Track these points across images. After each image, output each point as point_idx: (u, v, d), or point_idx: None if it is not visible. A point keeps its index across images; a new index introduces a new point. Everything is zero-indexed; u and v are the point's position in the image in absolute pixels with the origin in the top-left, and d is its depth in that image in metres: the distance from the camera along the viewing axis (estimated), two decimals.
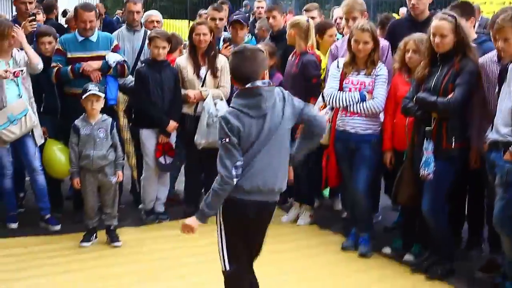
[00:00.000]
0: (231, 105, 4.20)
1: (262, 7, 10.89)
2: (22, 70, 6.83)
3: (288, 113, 4.22)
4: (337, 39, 7.72)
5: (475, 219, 6.30)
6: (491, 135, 5.32)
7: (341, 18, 7.77)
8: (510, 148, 5.05)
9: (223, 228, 4.32)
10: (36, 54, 7.00)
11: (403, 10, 17.70)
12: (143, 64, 7.34)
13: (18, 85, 6.86)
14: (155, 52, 7.15)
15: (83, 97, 6.49)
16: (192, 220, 4.34)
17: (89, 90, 6.48)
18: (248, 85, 4.16)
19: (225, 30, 8.68)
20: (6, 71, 6.69)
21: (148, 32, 7.81)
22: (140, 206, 7.52)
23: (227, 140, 4.08)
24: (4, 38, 6.78)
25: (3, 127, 6.77)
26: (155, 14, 8.68)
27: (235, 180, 4.10)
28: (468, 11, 6.33)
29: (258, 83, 4.17)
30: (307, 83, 6.89)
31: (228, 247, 4.35)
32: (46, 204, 7.12)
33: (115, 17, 23.89)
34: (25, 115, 6.81)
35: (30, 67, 6.92)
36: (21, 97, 6.87)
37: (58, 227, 7.06)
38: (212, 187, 4.18)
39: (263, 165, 4.16)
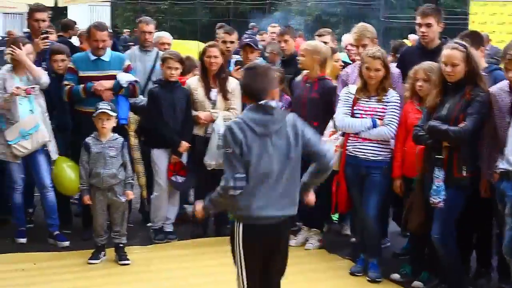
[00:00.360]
0: (239, 116, 4.26)
1: (275, 32, 10.92)
2: (33, 87, 6.90)
3: (295, 141, 4.24)
4: (344, 63, 7.77)
5: (484, 247, 6.31)
6: (502, 165, 5.36)
7: (351, 45, 7.84)
8: None
9: (243, 255, 4.28)
10: (38, 68, 7.06)
11: (413, 37, 17.81)
12: (156, 85, 7.40)
13: (30, 101, 6.93)
14: (168, 72, 7.21)
15: (95, 115, 6.54)
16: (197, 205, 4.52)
17: (100, 109, 6.54)
18: (261, 102, 4.20)
19: (236, 53, 8.74)
20: (18, 88, 6.76)
21: (160, 52, 7.89)
22: (149, 224, 7.54)
23: (229, 150, 4.15)
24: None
25: (15, 141, 6.84)
26: (166, 36, 8.74)
27: (235, 191, 4.15)
28: (478, 40, 6.35)
29: (273, 103, 4.21)
30: (329, 108, 6.88)
31: (248, 274, 4.31)
32: (55, 221, 7.16)
33: (122, 36, 24.06)
34: (37, 130, 6.87)
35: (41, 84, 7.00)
36: (33, 112, 6.93)
37: (66, 244, 7.09)
38: (216, 189, 4.29)
39: (268, 190, 4.19)
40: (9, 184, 7.10)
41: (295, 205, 4.35)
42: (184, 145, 7.22)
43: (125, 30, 26.47)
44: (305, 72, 7.26)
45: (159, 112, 7.17)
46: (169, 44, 8.57)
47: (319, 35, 8.56)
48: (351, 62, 7.82)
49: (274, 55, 8.68)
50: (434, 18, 6.72)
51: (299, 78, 7.33)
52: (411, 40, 16.90)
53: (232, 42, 8.17)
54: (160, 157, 7.28)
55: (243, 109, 7.27)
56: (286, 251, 4.49)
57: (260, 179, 4.16)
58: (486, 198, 5.77)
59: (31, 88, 6.88)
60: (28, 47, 7.04)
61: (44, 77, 7.03)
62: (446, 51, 5.64)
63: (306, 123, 6.66)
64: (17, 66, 6.95)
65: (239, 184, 4.14)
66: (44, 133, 6.93)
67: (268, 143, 4.15)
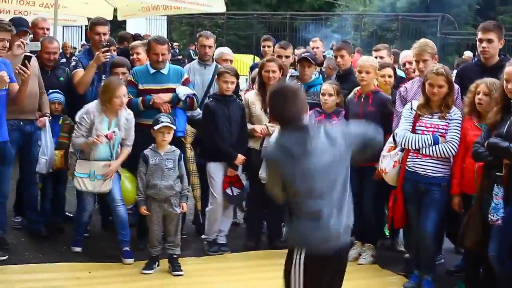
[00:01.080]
0: (273, 142, 4.15)
1: (317, 47, 10.94)
2: (114, 132, 6.87)
3: (339, 148, 4.09)
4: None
5: None
6: None
7: (409, 63, 7.80)
8: None
9: (305, 279, 4.10)
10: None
11: (468, 54, 17.68)
12: (211, 99, 7.46)
13: (112, 148, 6.94)
14: (224, 86, 7.26)
15: (156, 128, 6.61)
16: None
17: (162, 122, 6.61)
18: (293, 123, 4.09)
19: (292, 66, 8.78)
20: (98, 136, 6.74)
21: (218, 66, 7.95)
22: (203, 236, 7.58)
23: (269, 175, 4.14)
24: (113, 97, 6.82)
25: (81, 175, 6.91)
26: (227, 52, 8.79)
27: None
28: None
29: (305, 121, 4.13)
30: (385, 121, 6.82)
31: None
32: (126, 237, 7.05)
33: (187, 51, 24.30)
34: (106, 180, 6.91)
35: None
36: (111, 159, 6.93)
37: (131, 261, 6.95)
38: None
39: (321, 208, 4.04)
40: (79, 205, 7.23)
41: (352, 222, 4.23)
42: (240, 157, 7.26)
43: (174, 44, 26.71)
44: (357, 88, 7.26)
45: (215, 125, 7.23)
46: (231, 60, 8.63)
47: (376, 50, 8.56)
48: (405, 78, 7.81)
49: (330, 70, 8.69)
50: (495, 34, 6.67)
51: (351, 95, 7.33)
52: (467, 57, 16.80)
53: (287, 56, 8.20)
54: (216, 170, 7.32)
55: None
56: (344, 273, 4.37)
57: (306, 200, 4.04)
58: None
59: (112, 132, 6.87)
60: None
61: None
62: (509, 69, 5.59)
63: None
64: (109, 103, 6.86)
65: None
66: (110, 185, 6.93)
67: (313, 160, 4.01)
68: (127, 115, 6.99)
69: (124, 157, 7.02)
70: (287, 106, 4.07)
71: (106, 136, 6.80)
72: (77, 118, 6.95)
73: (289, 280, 4.14)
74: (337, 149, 4.09)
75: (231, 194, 7.32)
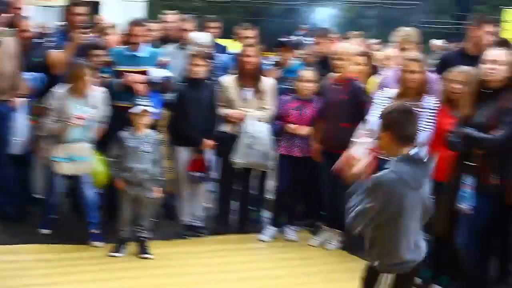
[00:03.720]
0: (393, 169, 3.98)
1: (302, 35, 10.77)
2: (85, 112, 6.79)
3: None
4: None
5: (503, 253, 6.29)
6: None
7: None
8: None
9: None
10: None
11: (435, 42, 17.77)
12: (182, 83, 7.40)
13: (84, 129, 6.87)
14: (193, 70, 7.20)
15: (134, 111, 6.58)
16: None
17: (140, 105, 6.60)
18: (411, 153, 4.00)
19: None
20: (70, 118, 6.68)
21: None
22: (180, 220, 7.55)
23: (372, 204, 3.97)
24: (78, 78, 6.79)
25: (59, 159, 6.84)
26: (204, 37, 8.40)
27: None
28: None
29: (422, 154, 4.13)
30: (357, 109, 6.87)
31: None
32: (95, 219, 7.03)
33: None
34: (85, 161, 6.86)
35: None
36: (85, 141, 6.90)
37: (99, 244, 6.92)
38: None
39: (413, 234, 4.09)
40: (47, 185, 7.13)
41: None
42: (207, 142, 7.22)
43: None
44: (333, 75, 7.24)
45: (183, 110, 7.18)
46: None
47: (352, 38, 8.54)
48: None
49: (310, 57, 8.62)
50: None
51: (327, 82, 7.32)
52: (432, 45, 16.89)
53: (253, 38, 8.13)
54: (183, 155, 7.29)
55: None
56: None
57: (408, 228, 4.03)
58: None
59: (83, 113, 6.79)
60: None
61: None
62: (490, 51, 5.63)
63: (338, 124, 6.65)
64: (75, 86, 6.83)
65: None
66: (91, 165, 6.91)
67: (421, 192, 4.02)
68: (96, 94, 6.94)
69: (100, 133, 6.99)
70: (410, 126, 4.07)
71: (77, 117, 6.73)
72: (47, 103, 6.89)
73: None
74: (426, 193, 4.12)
75: (195, 176, 7.27)
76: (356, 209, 4.05)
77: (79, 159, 6.84)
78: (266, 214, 7.94)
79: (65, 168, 6.85)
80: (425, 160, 4.13)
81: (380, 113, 4.23)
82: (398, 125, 4.03)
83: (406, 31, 7.02)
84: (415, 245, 4.09)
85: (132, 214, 6.73)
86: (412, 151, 4.00)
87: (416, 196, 3.97)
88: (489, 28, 6.80)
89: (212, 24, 8.86)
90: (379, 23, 25.73)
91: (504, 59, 5.54)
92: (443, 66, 6.90)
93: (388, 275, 4.07)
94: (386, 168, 3.95)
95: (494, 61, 5.53)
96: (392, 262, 4.06)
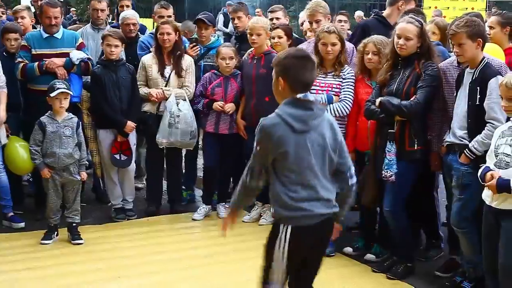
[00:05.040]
0: (276, 111, 3.96)
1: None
2: None
3: (331, 142, 4.00)
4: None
5: (430, 219, 6.41)
6: (448, 138, 5.46)
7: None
8: (465, 150, 5.20)
9: (286, 257, 3.98)
10: None
11: (358, 13, 18.01)
12: (98, 65, 7.30)
13: None
14: (108, 50, 7.12)
15: (52, 95, 6.45)
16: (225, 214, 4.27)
17: (58, 88, 6.46)
18: (300, 96, 3.94)
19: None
20: None
21: None
22: (109, 204, 7.53)
23: (257, 148, 3.93)
24: None
25: None
26: (130, 15, 8.24)
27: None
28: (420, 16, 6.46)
29: (311, 97, 4.00)
30: None
31: (288, 270, 4.06)
32: (9, 202, 7.06)
33: (69, 15, 23.74)
34: None
35: None
36: None
37: (22, 225, 7.00)
38: (236, 188, 4.14)
39: (311, 185, 3.94)
40: None
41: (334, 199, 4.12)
42: (129, 125, 7.17)
43: (72, 10, 26.08)
44: (250, 50, 7.29)
45: (102, 93, 7.11)
46: (134, 24, 8.11)
47: (272, 11, 8.55)
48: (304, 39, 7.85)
49: (186, 34, 8.45)
50: None
51: (245, 56, 7.36)
52: (356, 16, 17.12)
53: (169, 16, 8.10)
54: (105, 138, 7.25)
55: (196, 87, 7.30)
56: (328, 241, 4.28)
57: (300, 173, 3.92)
58: (426, 171, 5.87)
59: None
60: None
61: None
62: (401, 25, 5.70)
63: (258, 99, 6.69)
64: None
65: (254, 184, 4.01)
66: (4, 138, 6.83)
67: (306, 139, 3.91)
68: None
69: (4, 100, 6.90)
70: (307, 73, 3.98)
71: None
72: None
73: (272, 252, 4.03)
74: (330, 140, 4.00)
75: (119, 159, 7.23)
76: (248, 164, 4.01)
77: None
78: (198, 193, 7.96)
79: None
80: (315, 102, 4.01)
81: (274, 59, 4.20)
82: (294, 71, 3.96)
83: (314, 3, 7.06)
84: (318, 196, 3.96)
85: (60, 200, 6.65)
86: (300, 94, 3.94)
87: (302, 139, 3.89)
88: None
89: (126, 2, 8.80)
90: None
91: (413, 33, 5.59)
92: (364, 32, 6.93)
93: (286, 226, 3.94)
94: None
95: (404, 37, 5.60)
96: (286, 211, 3.94)
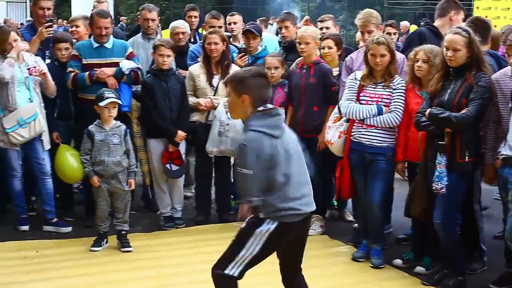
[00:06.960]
0: (251, 129, 4.19)
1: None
2: (35, 67, 6.95)
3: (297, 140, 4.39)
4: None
5: (472, 232, 6.27)
6: (504, 151, 5.35)
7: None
8: None
9: (265, 245, 4.31)
10: (53, 84, 7.09)
11: (404, 24, 17.90)
12: (149, 75, 7.36)
13: (29, 89, 6.94)
14: (160, 60, 7.16)
15: (101, 104, 6.51)
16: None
17: (107, 98, 6.52)
18: (261, 108, 4.25)
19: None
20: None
21: None
22: (158, 212, 7.56)
23: (249, 172, 4.12)
24: (5, 44, 6.86)
25: (12, 129, 6.85)
26: (180, 25, 8.32)
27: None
28: (481, 27, 6.35)
29: (269, 105, 4.32)
30: (327, 92, 6.98)
31: (254, 260, 4.40)
32: (52, 208, 7.15)
33: (119, 24, 24.04)
34: (35, 119, 6.87)
35: (45, 92, 7.12)
36: (31, 101, 6.93)
37: (69, 229, 7.10)
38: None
39: (299, 178, 4.28)
40: (8, 172, 7.09)
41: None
42: (180, 134, 7.20)
43: (122, 18, 26.43)
44: (299, 59, 7.28)
45: (153, 102, 7.15)
46: (183, 33, 8.18)
47: (321, 21, 8.53)
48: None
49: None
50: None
51: (294, 66, 7.35)
52: (402, 26, 17.01)
53: (220, 26, 8.13)
54: (156, 147, 7.29)
55: None
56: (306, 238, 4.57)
57: (290, 174, 4.21)
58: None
59: (33, 67, 6.94)
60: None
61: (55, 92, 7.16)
62: (448, 36, 5.62)
63: (306, 108, 6.71)
64: (4, 54, 6.88)
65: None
66: (41, 122, 6.94)
67: (283, 141, 4.22)
68: (34, 58, 7.08)
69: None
70: (266, 90, 4.35)
71: (29, 69, 6.92)
72: None
73: (246, 241, 4.31)
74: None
75: (170, 169, 7.26)
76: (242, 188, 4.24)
77: (30, 120, 6.87)
78: None
79: (24, 133, 6.87)
80: (273, 107, 4.35)
81: (229, 77, 4.51)
82: (255, 89, 4.25)
83: (367, 13, 7.01)
84: (304, 194, 4.28)
85: (109, 208, 6.71)
86: (260, 107, 4.24)
87: (281, 142, 4.19)
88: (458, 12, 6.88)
89: (193, 13, 8.86)
90: (349, 6, 25.68)
91: (461, 44, 5.52)
92: (419, 41, 6.82)
93: (272, 222, 4.21)
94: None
95: (452, 49, 5.53)
96: (277, 212, 4.18)
